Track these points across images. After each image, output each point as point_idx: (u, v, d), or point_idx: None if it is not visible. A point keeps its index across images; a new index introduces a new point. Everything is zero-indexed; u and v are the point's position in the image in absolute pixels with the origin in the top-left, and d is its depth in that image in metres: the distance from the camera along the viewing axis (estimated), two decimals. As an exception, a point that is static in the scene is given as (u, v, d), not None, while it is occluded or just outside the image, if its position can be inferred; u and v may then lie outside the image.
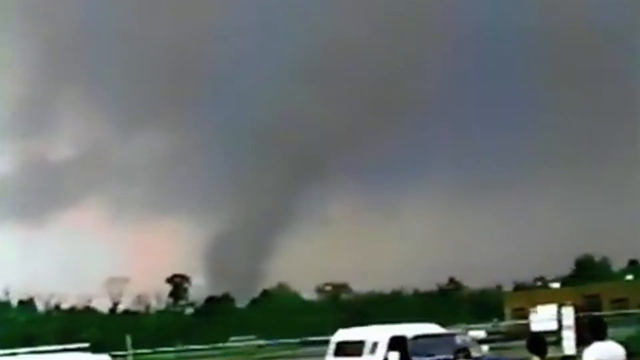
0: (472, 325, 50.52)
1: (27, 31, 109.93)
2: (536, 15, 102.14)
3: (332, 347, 24.70)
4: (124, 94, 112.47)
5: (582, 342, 30.57)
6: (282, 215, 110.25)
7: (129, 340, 40.51)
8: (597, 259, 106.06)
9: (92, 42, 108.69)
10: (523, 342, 10.81)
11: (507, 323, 63.22)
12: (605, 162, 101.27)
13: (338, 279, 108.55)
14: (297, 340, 55.14)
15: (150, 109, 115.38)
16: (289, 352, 56.24)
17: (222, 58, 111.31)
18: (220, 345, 60.00)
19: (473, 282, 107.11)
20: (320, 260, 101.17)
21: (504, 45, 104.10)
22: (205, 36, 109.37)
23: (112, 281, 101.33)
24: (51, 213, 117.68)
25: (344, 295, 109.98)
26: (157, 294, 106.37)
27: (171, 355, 58.67)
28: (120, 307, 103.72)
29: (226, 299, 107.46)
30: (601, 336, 10.08)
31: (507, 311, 78.86)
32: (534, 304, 50.46)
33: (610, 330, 10.34)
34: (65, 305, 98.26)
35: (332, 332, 25.65)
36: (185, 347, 57.37)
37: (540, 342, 10.16)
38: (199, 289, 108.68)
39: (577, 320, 35.31)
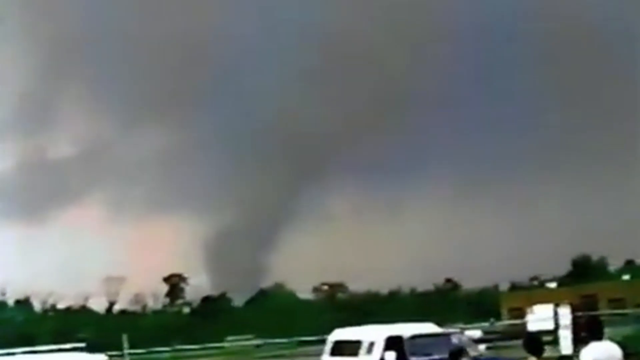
0: (468, 325, 50.49)
1: (28, 29, 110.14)
2: (537, 15, 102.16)
3: (328, 347, 24.70)
4: (124, 93, 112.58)
5: (579, 341, 30.64)
6: (282, 214, 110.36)
7: (125, 340, 40.43)
8: (594, 258, 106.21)
9: (94, 40, 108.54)
10: (520, 342, 10.80)
11: (503, 323, 63.19)
12: (602, 162, 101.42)
13: (336, 278, 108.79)
14: (294, 339, 55.12)
15: (151, 107, 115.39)
16: (285, 352, 56.20)
17: (223, 57, 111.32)
18: (218, 344, 60.00)
19: (470, 281, 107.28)
20: (320, 259, 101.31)
21: (504, 45, 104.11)
22: (206, 36, 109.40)
23: (109, 280, 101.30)
24: (50, 211, 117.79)
25: (341, 295, 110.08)
26: (154, 294, 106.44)
27: (168, 355, 58.58)
28: (117, 307, 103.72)
29: (223, 298, 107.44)
30: (598, 336, 10.08)
31: (504, 311, 78.93)
32: (531, 304, 50.41)
33: (607, 330, 10.35)
34: (61, 305, 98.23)
35: (329, 332, 25.65)
36: (182, 346, 57.31)
37: (537, 341, 10.17)
38: (196, 289, 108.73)
39: (574, 320, 35.38)
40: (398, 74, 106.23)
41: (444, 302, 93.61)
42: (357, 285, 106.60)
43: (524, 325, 46.14)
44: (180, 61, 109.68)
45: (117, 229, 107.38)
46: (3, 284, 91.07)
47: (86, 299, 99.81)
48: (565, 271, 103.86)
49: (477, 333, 45.28)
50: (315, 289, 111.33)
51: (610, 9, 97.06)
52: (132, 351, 42.20)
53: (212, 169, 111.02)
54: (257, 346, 66.16)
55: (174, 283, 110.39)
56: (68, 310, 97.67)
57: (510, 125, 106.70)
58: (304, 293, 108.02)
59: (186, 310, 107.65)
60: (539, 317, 43.12)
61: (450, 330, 27.24)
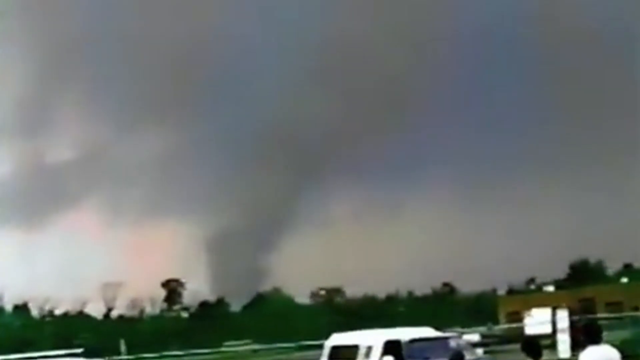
0: (466, 329, 50.49)
1: (27, 31, 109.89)
2: (537, 17, 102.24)
3: (326, 352, 24.68)
4: (123, 95, 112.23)
5: (577, 345, 30.63)
6: (282, 216, 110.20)
7: (123, 345, 40.43)
8: (591, 262, 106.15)
9: (92, 42, 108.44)
10: (517, 346, 10.80)
11: (501, 326, 63.20)
12: (601, 165, 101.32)
13: (334, 282, 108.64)
14: (292, 344, 55.09)
15: (150, 110, 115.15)
16: (283, 357, 56.19)
17: (222, 58, 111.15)
18: (215, 349, 59.94)
19: (467, 285, 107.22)
20: (319, 263, 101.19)
21: (505, 47, 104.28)
22: (205, 36, 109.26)
23: (106, 286, 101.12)
24: (48, 216, 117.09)
25: (338, 299, 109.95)
26: (152, 299, 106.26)
27: (166, 360, 58.56)
28: (115, 312, 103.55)
29: (221, 303, 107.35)
30: (596, 340, 10.08)
31: (502, 315, 78.84)
32: (529, 308, 50.45)
33: (605, 334, 10.33)
34: (59, 310, 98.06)
35: (327, 336, 25.62)
36: (180, 351, 57.25)
37: (535, 345, 10.16)
38: (194, 293, 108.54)
39: (572, 323, 35.37)
40: (398, 74, 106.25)
41: (442, 306, 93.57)
42: (355, 289, 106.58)
43: (521, 329, 46.20)
44: (179, 62, 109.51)
45: (115, 233, 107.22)
46: (1, 290, 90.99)
47: (84, 304, 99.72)
48: (563, 275, 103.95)
49: (475, 337, 45.30)
50: (313, 294, 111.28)
51: (610, 9, 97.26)
52: (129, 356, 42.19)
53: (211, 171, 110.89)
54: (255, 351, 66.14)
55: (172, 288, 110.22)
56: (66, 315, 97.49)
57: (510, 127, 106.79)
58: (302, 297, 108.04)
59: (184, 315, 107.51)
60: (536, 321, 43.19)
61: (449, 334, 27.22)
